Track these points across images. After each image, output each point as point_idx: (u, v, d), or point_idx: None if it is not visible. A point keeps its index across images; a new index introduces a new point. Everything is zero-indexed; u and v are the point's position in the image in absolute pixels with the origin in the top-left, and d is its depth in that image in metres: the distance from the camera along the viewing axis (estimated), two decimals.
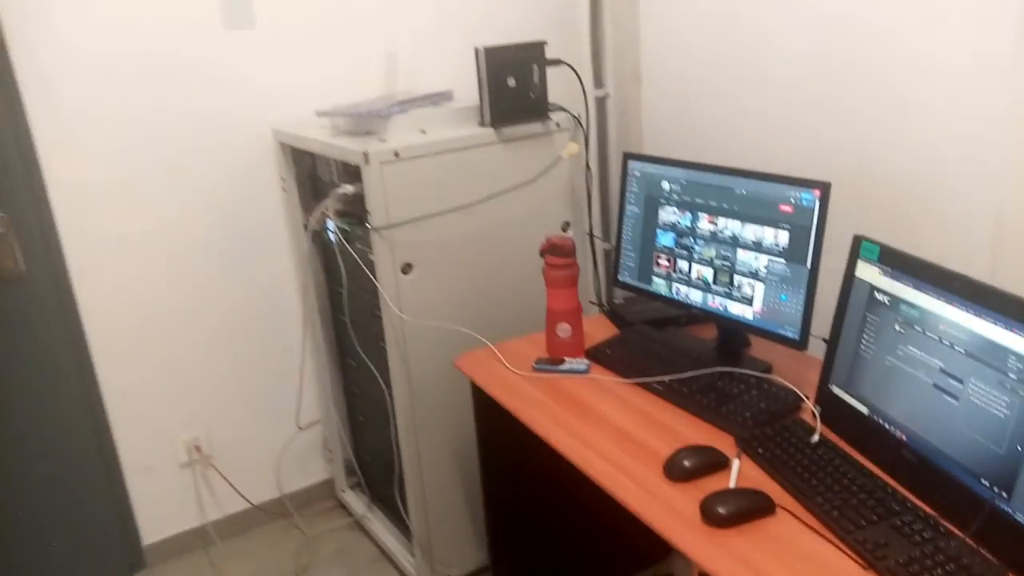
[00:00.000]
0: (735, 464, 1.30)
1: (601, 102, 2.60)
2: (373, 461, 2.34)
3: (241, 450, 2.36)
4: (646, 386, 1.57)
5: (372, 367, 2.06)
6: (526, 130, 1.94)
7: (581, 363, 1.67)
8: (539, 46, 1.92)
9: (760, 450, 1.31)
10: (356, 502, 2.44)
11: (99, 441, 2.15)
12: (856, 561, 1.05)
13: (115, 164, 2.01)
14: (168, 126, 2.05)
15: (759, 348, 1.68)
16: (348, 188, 1.85)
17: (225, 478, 2.34)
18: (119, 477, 2.21)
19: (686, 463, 1.29)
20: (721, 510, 1.16)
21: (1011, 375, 1.04)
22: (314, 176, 2.19)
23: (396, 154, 1.75)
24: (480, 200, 1.90)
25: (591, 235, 2.15)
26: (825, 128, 1.82)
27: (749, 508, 1.17)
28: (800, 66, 1.85)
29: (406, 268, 1.83)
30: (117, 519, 2.22)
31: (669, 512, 1.21)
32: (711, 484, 1.25)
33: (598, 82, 2.59)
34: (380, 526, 2.33)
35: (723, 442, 1.36)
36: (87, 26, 1.90)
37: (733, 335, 1.65)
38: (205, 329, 2.23)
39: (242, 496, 2.38)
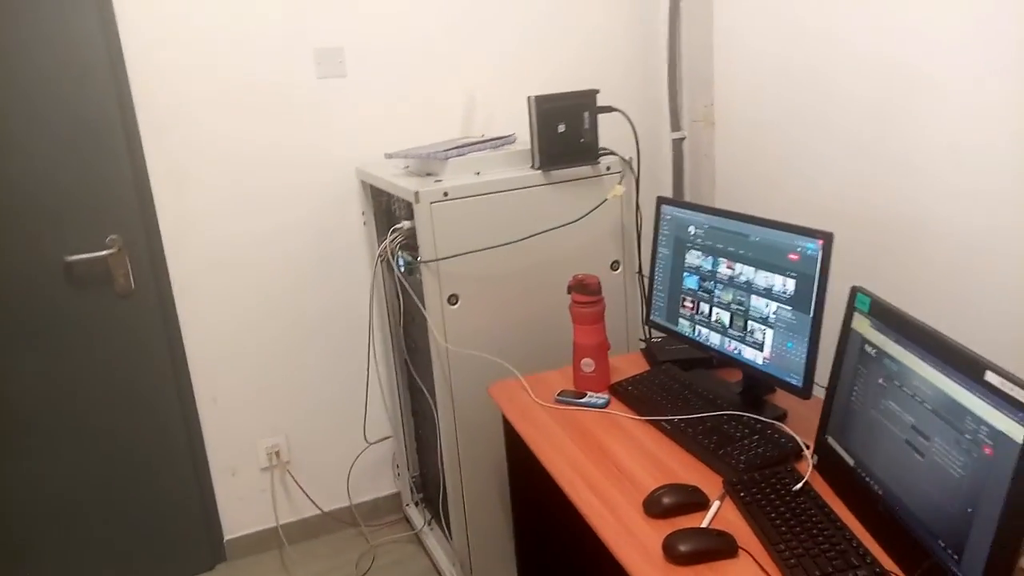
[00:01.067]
0: (714, 505, 1.32)
1: (678, 144, 2.65)
2: (432, 479, 2.47)
3: (316, 459, 2.57)
4: (656, 424, 1.61)
5: (425, 390, 2.21)
6: (575, 172, 2.04)
7: (600, 398, 1.73)
8: (591, 94, 2.01)
9: (742, 494, 1.33)
10: (417, 517, 2.58)
11: (191, 443, 2.41)
12: None
13: (216, 195, 2.28)
14: (265, 162, 2.31)
15: (783, 395, 1.67)
16: (407, 223, 2.02)
17: (299, 484, 2.55)
18: (207, 477, 2.46)
19: (664, 500, 1.32)
20: (682, 547, 1.20)
21: (966, 435, 1.03)
22: (389, 211, 2.38)
23: (445, 193, 1.90)
24: (527, 237, 2.01)
25: (640, 274, 2.20)
26: (879, 175, 1.81)
27: (710, 548, 1.20)
28: (859, 113, 1.85)
29: (452, 299, 1.97)
30: (203, 515, 2.48)
31: (636, 546, 1.25)
32: (686, 523, 1.28)
33: (675, 125, 2.64)
34: (434, 542, 2.45)
35: (712, 483, 1.39)
36: (197, 73, 2.19)
37: (756, 380, 1.66)
38: (289, 345, 2.46)
39: (313, 503, 2.58)
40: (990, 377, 0.99)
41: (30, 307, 2.15)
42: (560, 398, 1.75)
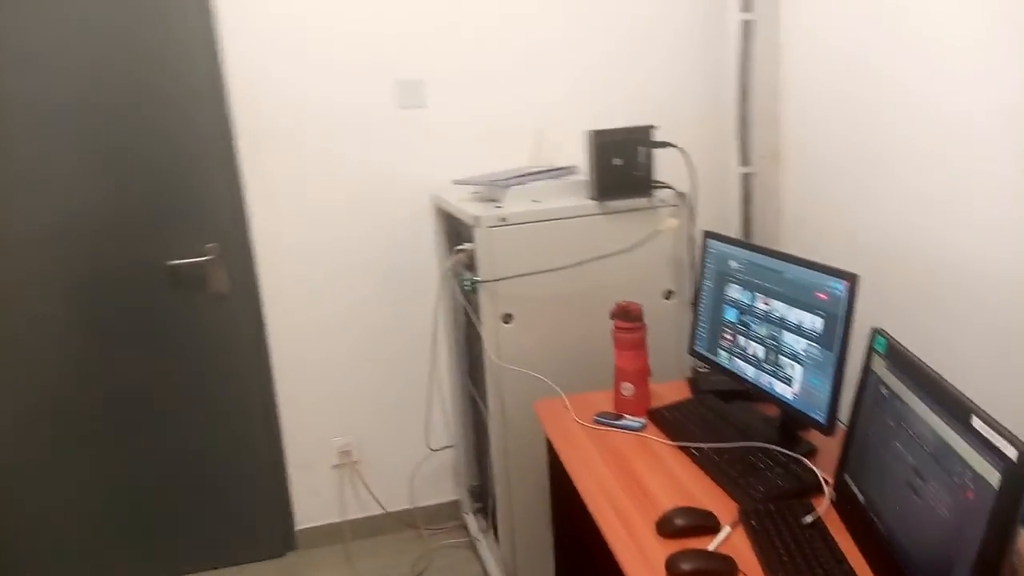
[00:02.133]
0: (724, 530, 1.38)
1: (746, 179, 2.69)
2: (489, 489, 2.59)
3: (383, 461, 2.73)
4: (686, 450, 1.67)
5: (481, 402, 2.33)
6: (630, 204, 2.12)
7: (637, 421, 1.81)
8: (646, 130, 2.10)
9: (754, 522, 1.38)
10: (473, 525, 2.70)
11: (270, 438, 2.62)
12: None
13: (302, 210, 2.49)
14: (349, 182, 2.50)
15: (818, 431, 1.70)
16: (469, 245, 2.15)
17: (366, 484, 2.72)
18: (283, 470, 2.67)
19: (677, 521, 1.39)
20: (683, 566, 1.27)
21: (955, 478, 1.06)
22: (457, 232, 2.52)
23: (503, 219, 2.02)
24: (581, 263, 2.11)
25: (694, 304, 2.25)
26: (933, 219, 1.82)
27: (710, 569, 1.26)
28: (917, 155, 1.86)
29: (507, 318, 2.08)
30: (278, 505, 2.68)
31: (644, 562, 1.33)
32: (695, 545, 1.35)
33: (744, 160, 2.68)
34: (487, 550, 2.56)
35: (729, 510, 1.44)
36: (291, 98, 2.41)
37: (789, 415, 1.69)
38: (363, 352, 2.64)
39: (378, 502, 2.74)
40: (975, 422, 1.02)
41: (137, 305, 2.41)
42: (598, 419, 1.84)
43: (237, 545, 2.66)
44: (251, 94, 2.38)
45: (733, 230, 2.75)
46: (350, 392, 2.66)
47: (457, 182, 2.33)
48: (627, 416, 1.83)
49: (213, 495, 2.60)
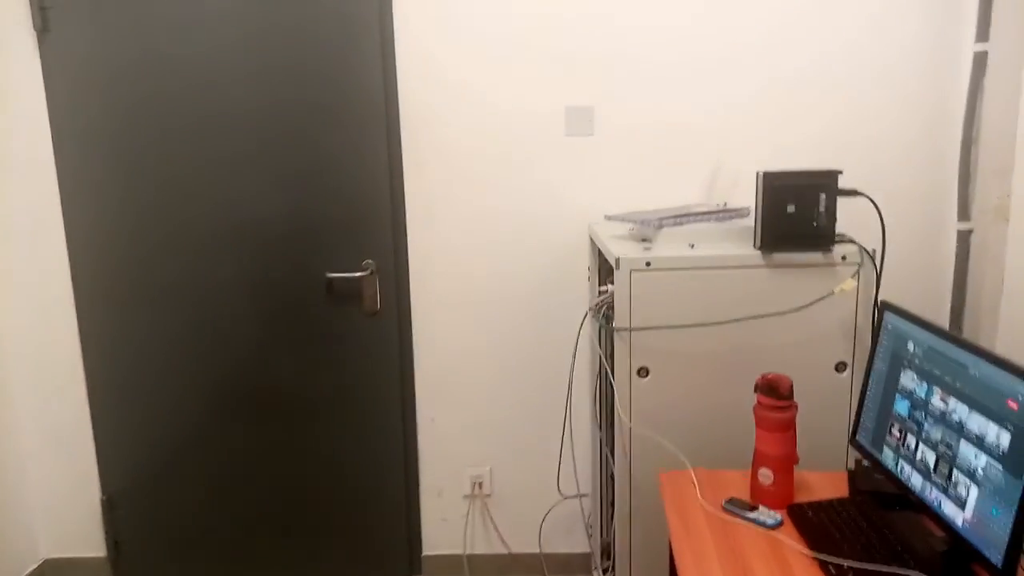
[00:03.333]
0: None
1: (964, 237, 2.27)
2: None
3: (514, 498, 2.61)
4: (822, 564, 1.38)
5: (610, 457, 2.14)
6: (802, 258, 1.84)
7: (772, 516, 1.54)
8: (832, 175, 1.81)
9: None
10: None
11: (407, 457, 2.60)
12: None
13: (460, 233, 2.45)
14: (507, 208, 2.43)
15: None
16: (611, 287, 1.98)
17: (493, 520, 2.62)
18: (416, 492, 2.63)
19: None
20: None
21: None
22: (610, 271, 2.35)
23: (647, 263, 1.83)
24: (734, 321, 1.86)
25: (862, 387, 1.90)
26: None
27: None
28: None
29: (642, 372, 1.89)
30: (408, 528, 2.65)
31: None
32: None
33: (962, 214, 2.27)
34: None
35: None
36: (457, 121, 2.37)
37: (960, 546, 1.35)
38: (504, 382, 2.54)
39: (503, 542, 2.63)
40: None
41: (295, 313, 2.49)
42: (728, 506, 1.59)
43: (364, 563, 2.67)
44: (420, 117, 2.37)
45: (939, 300, 2.34)
46: (488, 422, 2.58)
47: (609, 218, 2.17)
48: (761, 508, 1.57)
49: (345, 509, 2.63)
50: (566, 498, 2.59)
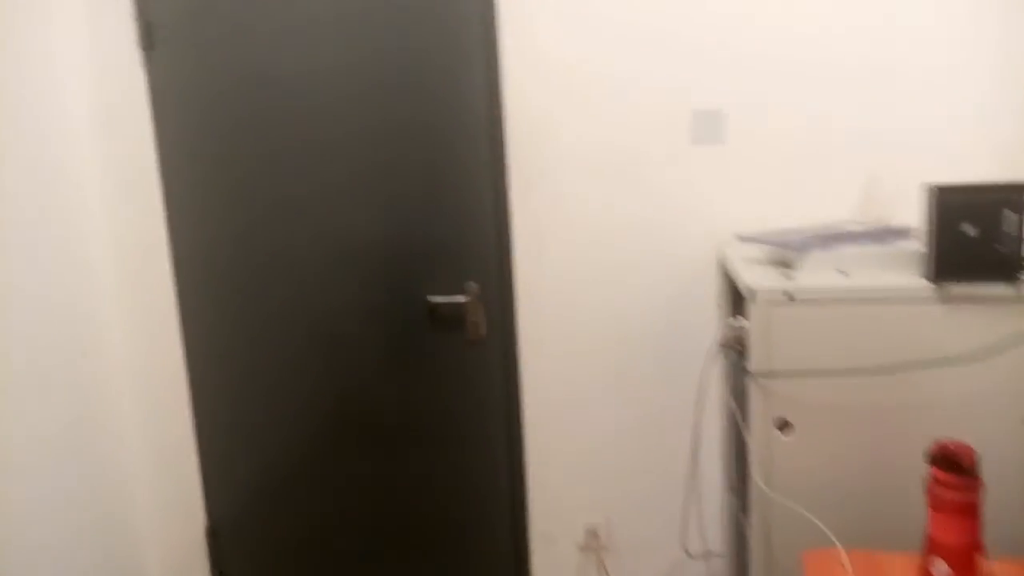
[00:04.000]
0: None
1: None
2: None
3: (633, 554, 2.34)
4: None
5: (744, 520, 1.83)
6: (984, 291, 1.48)
7: None
8: (1020, 188, 1.44)
9: None
10: None
11: (514, 499, 2.39)
12: None
13: (571, 257, 2.22)
14: (623, 230, 2.17)
15: None
16: (742, 321, 1.69)
17: (609, 575, 2.36)
18: (524, 538, 2.41)
19: None
20: None
21: None
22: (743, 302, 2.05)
23: (790, 296, 1.53)
24: (900, 368, 1.52)
25: None
26: None
27: None
28: None
29: (783, 426, 1.58)
30: (517, 574, 2.44)
31: None
32: None
33: None
34: None
35: None
36: (568, 135, 2.15)
37: None
38: (624, 424, 2.29)
39: None
40: None
41: (400, 339, 2.33)
42: None
43: None
44: (528, 132, 2.16)
45: None
46: (604, 466, 2.32)
47: (744, 239, 1.87)
48: None
49: (448, 551, 2.44)
50: (692, 558, 2.29)
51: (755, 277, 1.61)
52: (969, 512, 1.23)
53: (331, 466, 2.45)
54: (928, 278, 1.52)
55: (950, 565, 1.25)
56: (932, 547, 1.27)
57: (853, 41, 1.98)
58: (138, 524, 2.54)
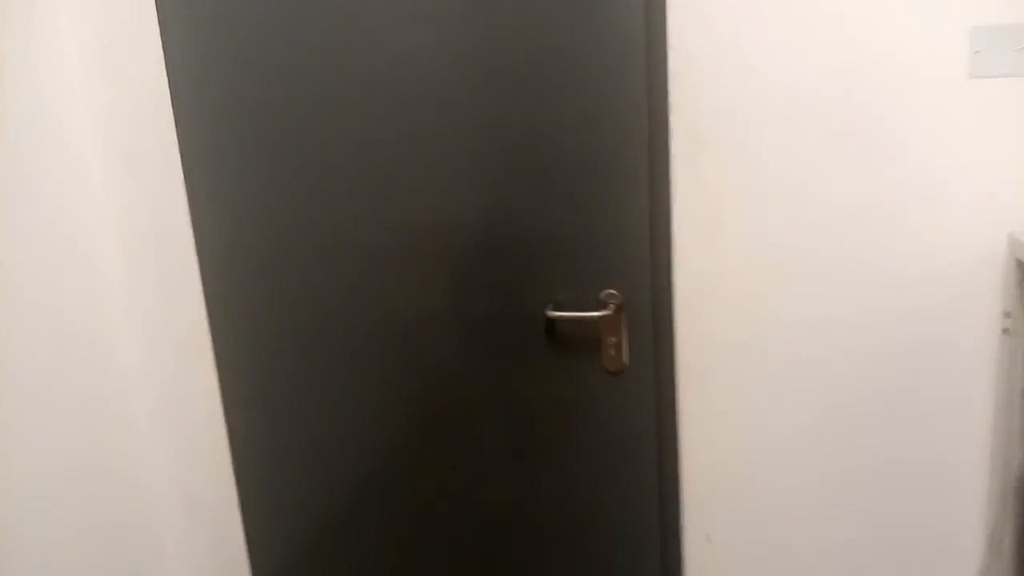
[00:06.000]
0: None
1: None
2: None
3: None
4: None
5: None
6: None
7: None
8: None
9: None
10: None
11: None
12: None
13: (760, 254, 1.50)
14: (844, 209, 1.44)
15: None
16: None
17: None
18: None
19: None
20: None
21: None
22: None
23: None
24: None
25: None
26: None
27: None
28: None
29: None
30: None
31: None
32: None
33: None
34: None
35: None
36: (762, 68, 1.41)
37: None
38: (835, 489, 1.57)
39: None
40: None
41: (501, 366, 1.66)
42: None
43: None
44: (702, 64, 1.43)
45: None
46: (799, 551, 1.61)
47: None
48: None
49: None
50: None
51: None
52: None
53: (405, 523, 1.81)
54: None
55: None
56: None
57: None
58: None
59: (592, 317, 1.57)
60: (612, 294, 1.57)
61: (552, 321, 1.61)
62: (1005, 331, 1.38)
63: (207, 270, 1.75)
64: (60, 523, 1.61)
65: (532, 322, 1.62)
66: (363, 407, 1.76)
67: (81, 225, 1.66)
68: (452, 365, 1.69)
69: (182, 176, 1.69)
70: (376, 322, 1.70)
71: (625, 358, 1.60)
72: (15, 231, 1.50)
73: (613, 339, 1.59)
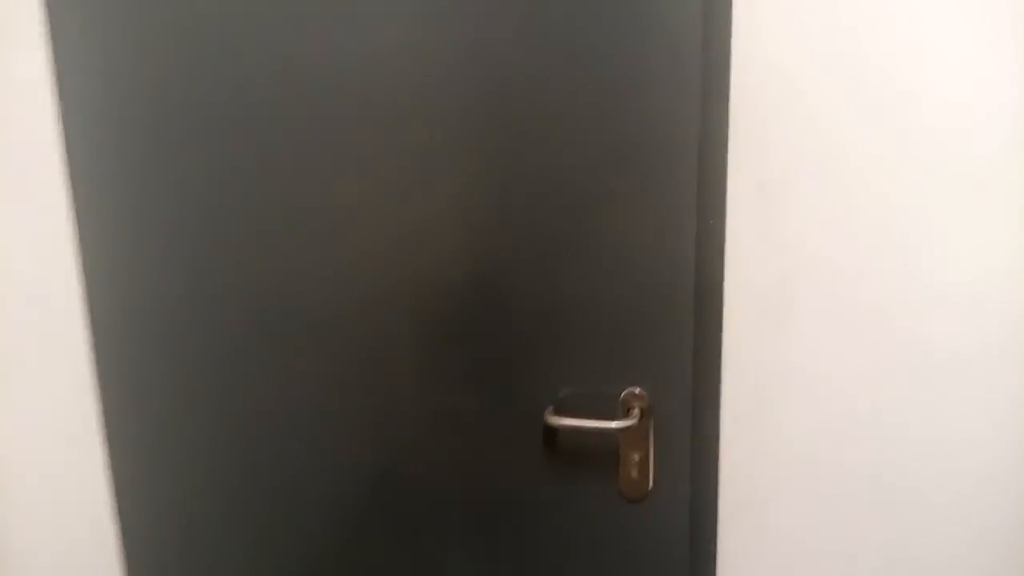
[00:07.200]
0: None
1: None
2: None
3: None
4: None
5: None
6: None
7: None
8: None
9: None
10: None
11: None
12: None
13: (842, 338, 1.08)
14: (964, 273, 1.04)
15: None
16: None
17: None
18: None
19: None
20: None
21: None
22: None
23: None
24: None
25: None
26: None
27: None
28: None
29: None
30: None
31: None
32: None
33: None
34: None
35: None
36: (844, 97, 1.01)
37: None
38: None
39: None
40: None
41: (486, 489, 1.21)
42: None
43: None
44: (772, 75, 1.03)
45: None
46: None
47: None
48: None
49: None
50: None
51: None
52: None
53: None
54: None
55: None
56: None
57: None
58: None
59: (608, 428, 1.13)
60: (637, 394, 1.13)
61: (555, 431, 1.17)
62: None
63: (98, 328, 1.28)
64: None
65: (525, 428, 1.18)
66: (307, 536, 1.29)
67: None
68: (428, 484, 1.23)
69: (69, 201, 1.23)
70: (319, 420, 1.24)
71: (651, 481, 1.16)
72: None
73: (636, 455, 1.15)
